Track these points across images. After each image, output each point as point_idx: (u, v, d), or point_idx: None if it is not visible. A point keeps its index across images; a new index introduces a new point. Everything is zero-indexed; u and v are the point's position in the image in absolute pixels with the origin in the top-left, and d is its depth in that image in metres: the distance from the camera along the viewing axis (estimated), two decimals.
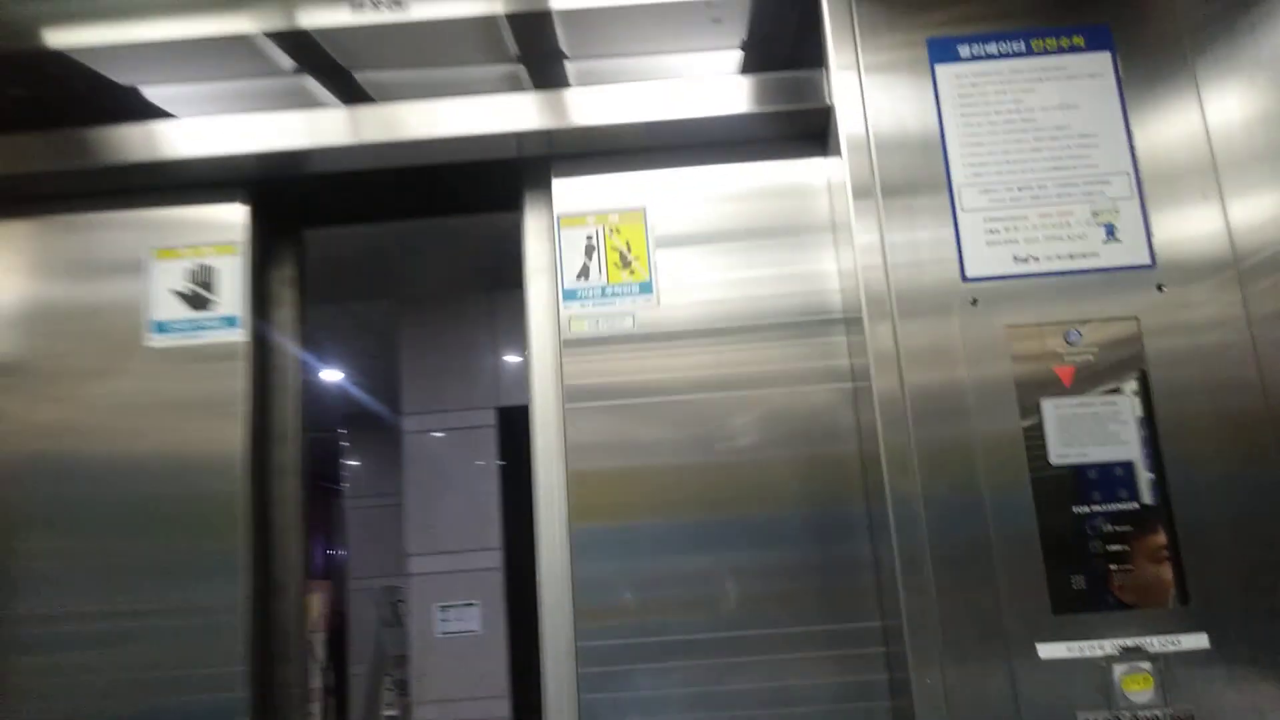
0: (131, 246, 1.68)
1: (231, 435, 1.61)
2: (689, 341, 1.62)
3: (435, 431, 5.22)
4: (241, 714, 1.53)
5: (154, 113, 1.66)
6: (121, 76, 1.68)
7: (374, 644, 6.14)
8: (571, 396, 1.60)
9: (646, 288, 1.63)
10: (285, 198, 1.76)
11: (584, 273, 1.64)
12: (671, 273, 1.64)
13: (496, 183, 1.74)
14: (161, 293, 1.66)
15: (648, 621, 1.53)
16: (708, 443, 1.58)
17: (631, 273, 1.64)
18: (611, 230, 1.66)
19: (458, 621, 5.02)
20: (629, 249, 1.65)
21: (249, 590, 1.58)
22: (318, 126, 1.62)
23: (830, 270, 1.64)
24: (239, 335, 1.64)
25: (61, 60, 1.66)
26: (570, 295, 1.64)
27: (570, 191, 1.68)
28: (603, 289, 1.64)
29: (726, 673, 1.51)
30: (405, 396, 5.24)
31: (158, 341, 1.64)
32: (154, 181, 1.68)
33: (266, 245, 1.77)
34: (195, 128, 1.62)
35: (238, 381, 1.63)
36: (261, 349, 1.72)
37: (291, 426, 1.76)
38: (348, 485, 7.98)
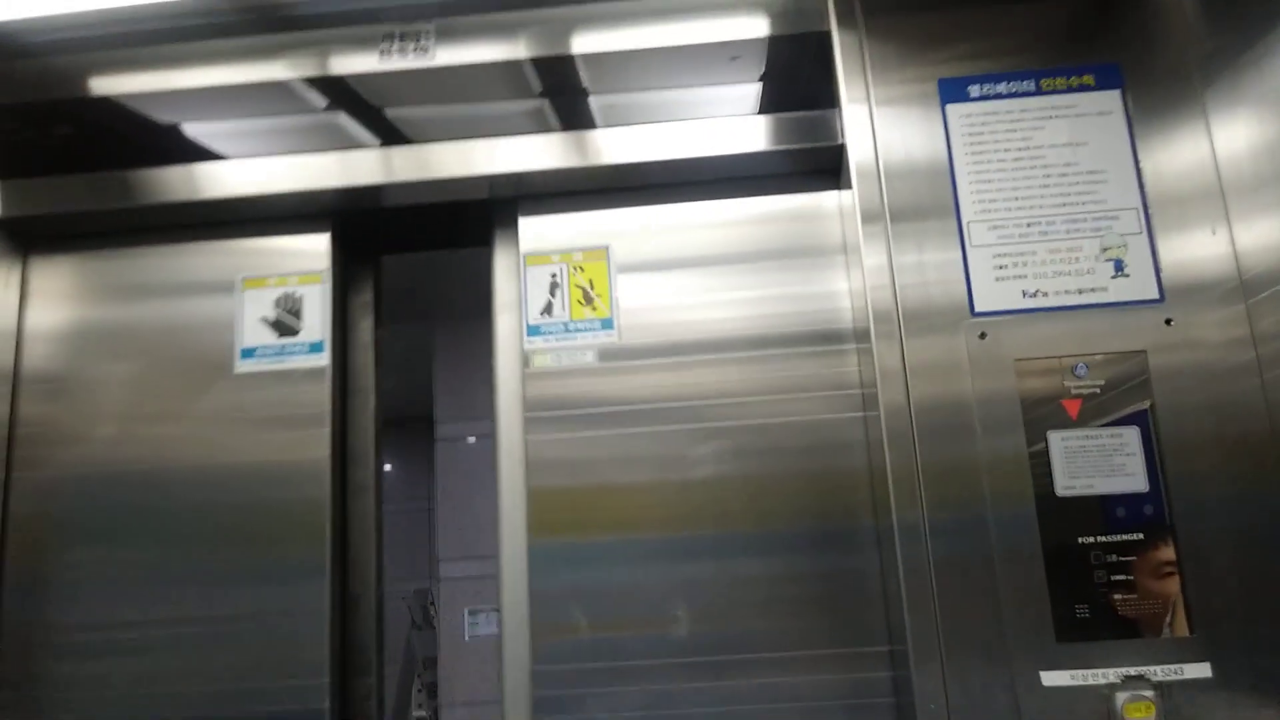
0: (223, 275, 1.78)
1: (318, 456, 1.70)
2: (650, 370, 1.69)
3: (468, 437, 5.29)
4: None
5: (193, 148, 1.74)
6: (163, 116, 1.76)
7: (404, 646, 6.23)
8: (533, 428, 1.68)
9: (608, 324, 1.71)
10: (363, 227, 1.86)
11: (548, 309, 1.72)
12: (633, 306, 1.72)
13: (474, 220, 1.83)
14: (250, 320, 1.75)
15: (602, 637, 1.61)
16: (665, 464, 1.65)
17: (594, 309, 1.71)
18: (575, 268, 1.73)
19: (486, 626, 5.10)
20: (591, 286, 1.72)
21: (332, 601, 1.65)
22: (349, 165, 1.71)
23: (814, 294, 1.70)
24: (324, 360, 1.73)
25: (106, 104, 1.75)
26: (534, 331, 1.71)
27: (536, 230, 1.76)
28: (565, 325, 1.71)
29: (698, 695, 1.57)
30: (438, 402, 5.32)
31: (246, 367, 1.73)
32: (243, 215, 1.77)
33: (346, 273, 1.88)
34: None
35: (323, 405, 1.71)
36: (342, 373, 1.82)
37: (369, 446, 1.86)
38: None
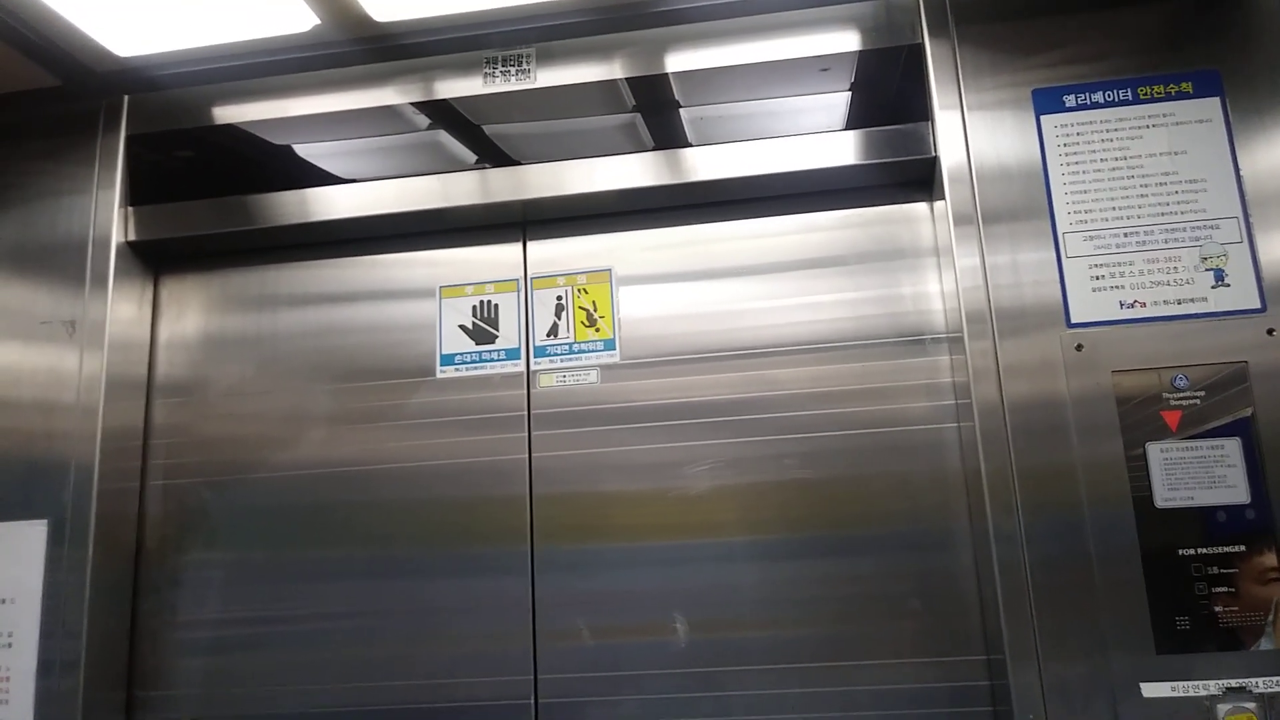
0: (422, 284, 1.88)
1: (518, 449, 1.77)
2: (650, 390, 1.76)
3: None
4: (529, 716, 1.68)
5: (302, 166, 1.83)
6: (277, 139, 1.86)
7: None
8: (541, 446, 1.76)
9: (610, 345, 1.78)
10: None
11: (553, 330, 1.80)
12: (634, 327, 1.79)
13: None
14: (449, 327, 1.84)
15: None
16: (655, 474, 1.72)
17: (597, 330, 1.78)
18: (579, 290, 1.81)
19: None
20: (595, 308, 1.80)
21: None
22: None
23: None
24: (519, 366, 1.81)
25: (228, 130, 1.86)
26: (540, 351, 1.79)
27: (543, 254, 1.84)
28: (570, 346, 1.79)
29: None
30: None
31: (446, 374, 1.82)
32: (443, 225, 1.86)
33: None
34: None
35: (523, 407, 1.79)
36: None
37: None
38: None
